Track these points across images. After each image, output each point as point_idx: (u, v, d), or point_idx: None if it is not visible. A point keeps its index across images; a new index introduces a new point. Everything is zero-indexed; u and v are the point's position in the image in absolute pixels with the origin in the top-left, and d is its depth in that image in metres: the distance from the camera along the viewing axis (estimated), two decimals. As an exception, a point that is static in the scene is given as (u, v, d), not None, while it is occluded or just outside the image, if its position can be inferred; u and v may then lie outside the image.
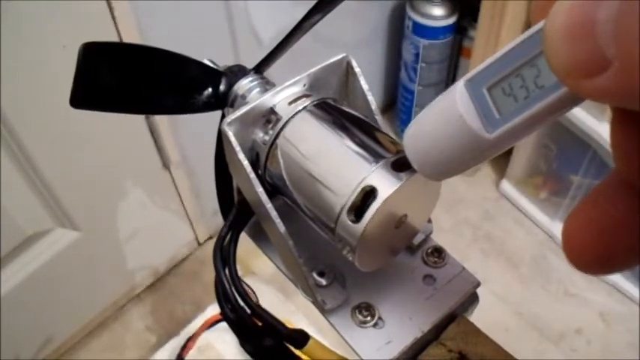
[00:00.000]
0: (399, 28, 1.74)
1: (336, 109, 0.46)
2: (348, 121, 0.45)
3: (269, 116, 0.46)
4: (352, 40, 1.72)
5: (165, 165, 1.46)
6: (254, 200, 0.46)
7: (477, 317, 1.43)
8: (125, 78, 0.48)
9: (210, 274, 1.54)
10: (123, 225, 1.50)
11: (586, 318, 1.66)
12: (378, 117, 0.48)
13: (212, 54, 1.38)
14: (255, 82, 0.49)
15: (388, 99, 1.99)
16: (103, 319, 1.66)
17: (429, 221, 0.50)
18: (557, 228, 1.75)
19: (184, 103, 0.49)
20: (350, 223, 0.40)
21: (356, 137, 0.43)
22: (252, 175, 0.44)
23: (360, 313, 0.46)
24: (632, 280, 1.66)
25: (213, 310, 1.37)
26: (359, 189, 0.40)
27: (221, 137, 0.49)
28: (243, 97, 0.49)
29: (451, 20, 1.64)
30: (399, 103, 1.90)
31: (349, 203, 0.40)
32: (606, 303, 1.68)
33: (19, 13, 1.02)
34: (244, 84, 0.49)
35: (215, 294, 0.47)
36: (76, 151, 1.28)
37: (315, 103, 0.46)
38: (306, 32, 0.51)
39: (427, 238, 0.51)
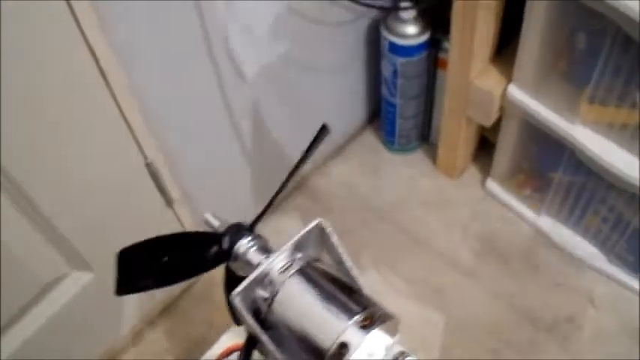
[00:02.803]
0: (377, 46, 1.82)
1: (316, 270, 0.62)
2: (326, 281, 0.61)
3: (265, 279, 0.62)
4: (331, 63, 1.79)
5: (168, 203, 1.54)
6: (259, 340, 0.61)
7: (472, 314, 1.59)
8: (155, 265, 0.63)
9: (219, 294, 1.64)
10: (133, 260, 1.57)
11: (576, 305, 1.75)
12: (349, 264, 0.64)
13: (199, 92, 1.43)
14: (252, 242, 0.66)
15: (373, 110, 2.08)
16: (122, 346, 1.75)
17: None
18: (542, 222, 1.84)
19: (199, 267, 0.66)
20: None
21: (333, 297, 0.59)
22: (259, 330, 0.60)
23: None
24: (616, 264, 1.75)
25: (228, 339, 1.46)
26: (336, 344, 0.55)
27: (229, 273, 0.63)
28: (244, 254, 0.66)
29: (425, 37, 1.71)
30: (382, 115, 1.98)
31: (329, 354, 0.56)
32: (594, 289, 1.77)
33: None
34: (243, 244, 0.66)
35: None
36: (82, 198, 1.35)
37: (299, 269, 0.62)
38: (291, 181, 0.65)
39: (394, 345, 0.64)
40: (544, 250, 1.84)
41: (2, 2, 0.97)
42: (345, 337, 0.55)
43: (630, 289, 1.75)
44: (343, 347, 0.55)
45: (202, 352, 1.50)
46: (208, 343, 1.54)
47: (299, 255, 0.64)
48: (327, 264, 0.66)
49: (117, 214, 1.44)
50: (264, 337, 0.60)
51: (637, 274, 1.73)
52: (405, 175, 2.03)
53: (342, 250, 0.65)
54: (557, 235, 1.82)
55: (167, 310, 1.81)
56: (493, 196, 1.93)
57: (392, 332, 0.62)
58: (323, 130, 0.70)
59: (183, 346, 1.76)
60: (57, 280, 1.44)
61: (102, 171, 1.35)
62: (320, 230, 0.66)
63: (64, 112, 1.21)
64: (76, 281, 1.48)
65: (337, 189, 2.01)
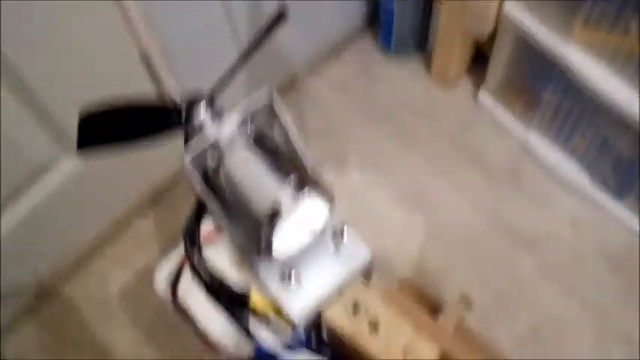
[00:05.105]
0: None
1: (262, 142, 0.68)
2: (269, 151, 0.67)
3: (215, 145, 0.68)
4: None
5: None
6: (206, 202, 0.69)
7: (453, 221, 1.62)
8: (115, 129, 0.69)
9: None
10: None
11: (557, 224, 1.78)
12: (295, 136, 0.70)
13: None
14: (207, 112, 0.71)
15: (371, 14, 2.08)
16: (112, 231, 1.82)
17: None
18: (531, 139, 1.86)
19: (157, 134, 0.71)
20: (268, 228, 0.62)
21: (272, 165, 0.65)
22: (204, 189, 0.68)
23: (287, 277, 0.68)
24: (600, 188, 1.77)
25: (208, 226, 1.50)
26: (270, 207, 0.62)
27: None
28: (200, 126, 0.70)
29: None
30: (380, 18, 1.97)
31: (265, 216, 0.62)
32: (576, 210, 1.79)
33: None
34: (199, 112, 0.71)
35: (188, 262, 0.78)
36: (76, 84, 1.38)
37: (245, 138, 0.68)
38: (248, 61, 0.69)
39: (333, 220, 0.72)
40: (530, 167, 1.86)
41: None
42: (279, 200, 0.62)
43: (611, 213, 1.78)
44: (277, 209, 0.61)
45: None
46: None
47: (248, 127, 0.70)
48: (279, 138, 0.72)
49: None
50: (209, 198, 0.68)
51: (619, 199, 1.75)
52: (399, 80, 2.04)
53: (287, 120, 0.70)
54: (544, 153, 1.84)
55: (156, 200, 1.86)
56: (484, 109, 1.94)
57: (330, 203, 0.68)
58: (279, 17, 0.76)
59: (170, 235, 1.80)
60: (50, 162, 1.50)
61: (97, 56, 1.38)
62: (270, 103, 0.70)
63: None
64: (67, 166, 1.54)
65: (331, 90, 2.03)
